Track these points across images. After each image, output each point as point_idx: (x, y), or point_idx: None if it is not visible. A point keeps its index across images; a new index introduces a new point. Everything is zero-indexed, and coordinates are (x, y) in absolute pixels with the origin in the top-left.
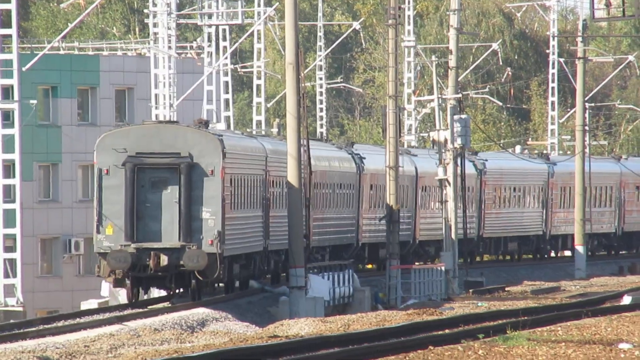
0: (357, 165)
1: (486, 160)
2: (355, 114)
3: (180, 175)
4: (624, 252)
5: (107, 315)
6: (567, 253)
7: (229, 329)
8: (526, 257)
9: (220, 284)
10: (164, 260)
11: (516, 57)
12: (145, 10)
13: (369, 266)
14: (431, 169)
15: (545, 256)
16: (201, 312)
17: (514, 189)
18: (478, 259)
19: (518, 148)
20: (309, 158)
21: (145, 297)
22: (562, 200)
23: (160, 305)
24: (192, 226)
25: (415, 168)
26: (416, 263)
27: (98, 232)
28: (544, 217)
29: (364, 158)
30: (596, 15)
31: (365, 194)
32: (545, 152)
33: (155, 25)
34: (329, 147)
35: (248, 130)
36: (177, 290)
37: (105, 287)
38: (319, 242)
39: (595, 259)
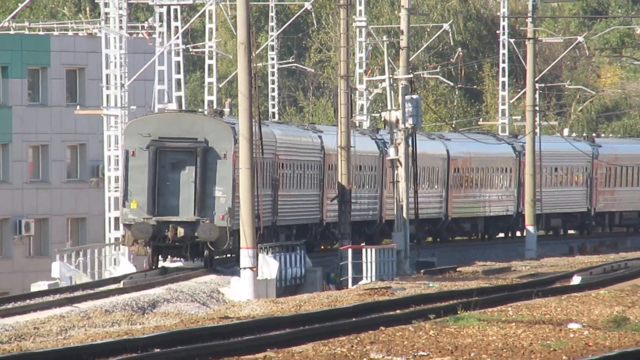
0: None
1: (524, 142)
2: (308, 95)
3: (197, 158)
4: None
5: (57, 296)
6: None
7: (180, 310)
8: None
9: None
10: (181, 232)
11: (469, 38)
12: None
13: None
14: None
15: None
16: (152, 293)
17: (555, 169)
18: (519, 234)
19: (566, 131)
20: (261, 138)
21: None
22: (606, 180)
23: (113, 286)
24: (206, 203)
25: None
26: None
27: (124, 206)
28: (588, 194)
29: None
30: None
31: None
32: (593, 134)
33: (106, 5)
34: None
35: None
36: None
37: (56, 268)
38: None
39: (545, 239)
